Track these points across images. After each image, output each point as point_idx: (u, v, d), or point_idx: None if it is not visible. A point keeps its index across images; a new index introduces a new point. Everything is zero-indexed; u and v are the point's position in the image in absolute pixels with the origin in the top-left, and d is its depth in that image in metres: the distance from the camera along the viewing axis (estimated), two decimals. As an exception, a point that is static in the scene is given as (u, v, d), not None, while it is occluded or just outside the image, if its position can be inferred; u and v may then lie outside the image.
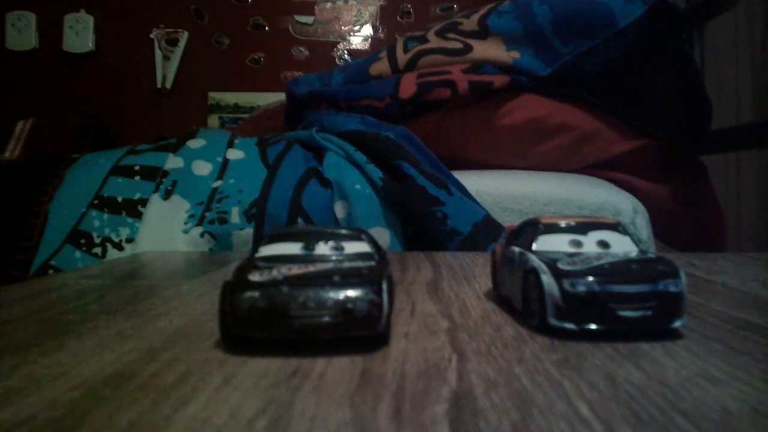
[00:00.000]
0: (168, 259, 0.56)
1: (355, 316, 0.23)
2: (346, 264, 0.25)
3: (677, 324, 0.25)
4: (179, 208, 0.74)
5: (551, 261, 0.26)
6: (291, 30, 2.48)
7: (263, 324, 0.22)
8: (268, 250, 0.27)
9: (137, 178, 0.78)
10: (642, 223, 0.79)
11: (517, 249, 0.29)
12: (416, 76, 0.89)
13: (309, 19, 2.49)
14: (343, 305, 0.22)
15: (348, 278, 0.23)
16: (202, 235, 0.71)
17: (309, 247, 0.27)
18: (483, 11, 0.97)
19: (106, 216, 0.74)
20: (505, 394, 0.18)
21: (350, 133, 0.82)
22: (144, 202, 0.75)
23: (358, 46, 2.49)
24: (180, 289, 0.38)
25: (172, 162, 0.80)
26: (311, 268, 0.24)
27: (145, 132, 2.17)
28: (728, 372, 0.21)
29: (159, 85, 2.43)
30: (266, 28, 2.47)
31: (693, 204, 0.93)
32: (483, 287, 0.38)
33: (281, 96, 1.37)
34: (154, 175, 0.78)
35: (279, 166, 0.78)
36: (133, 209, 0.74)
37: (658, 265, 0.25)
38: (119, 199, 0.75)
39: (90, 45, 2.41)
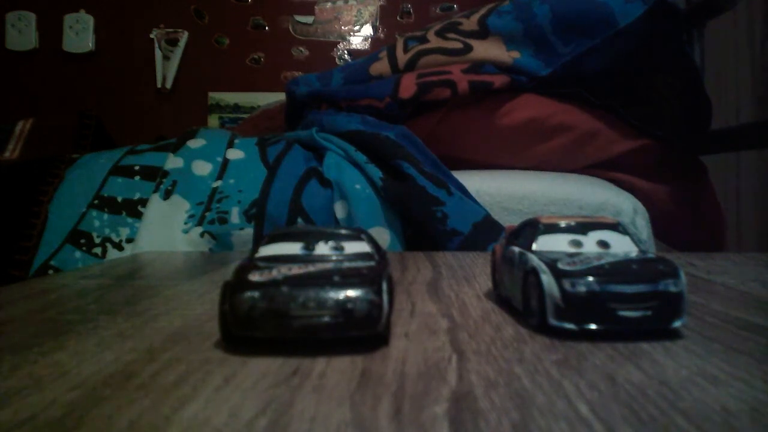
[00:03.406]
0: (168, 259, 0.56)
1: (355, 316, 0.23)
2: (346, 264, 0.25)
3: (677, 324, 0.25)
4: (179, 208, 0.74)
5: (551, 261, 0.26)
6: (291, 30, 2.48)
7: (263, 324, 0.22)
8: (268, 250, 0.27)
9: (137, 178, 0.78)
10: (642, 223, 0.79)
11: (517, 249, 0.29)
12: (416, 76, 0.89)
13: (309, 19, 2.49)
14: (343, 305, 0.22)
15: (348, 278, 0.23)
16: (202, 235, 0.71)
17: (309, 247, 0.27)
18: (483, 11, 0.97)
19: (106, 216, 0.74)
20: (505, 394, 0.18)
21: (350, 133, 0.82)
22: (144, 202, 0.75)
23: (358, 46, 2.49)
24: (180, 289, 0.38)
25: (172, 162, 0.80)
26: (311, 268, 0.24)
27: (145, 132, 2.17)
28: (728, 372, 0.21)
29: (159, 85, 2.44)
30: (266, 28, 2.47)
31: (693, 204, 0.93)
32: (483, 287, 0.38)
33: (281, 96, 1.37)
34: (154, 175, 0.78)
35: (279, 166, 0.78)
36: (133, 209, 0.74)
37: (658, 265, 0.25)
38: (119, 199, 0.75)
39: (90, 45, 2.41)
